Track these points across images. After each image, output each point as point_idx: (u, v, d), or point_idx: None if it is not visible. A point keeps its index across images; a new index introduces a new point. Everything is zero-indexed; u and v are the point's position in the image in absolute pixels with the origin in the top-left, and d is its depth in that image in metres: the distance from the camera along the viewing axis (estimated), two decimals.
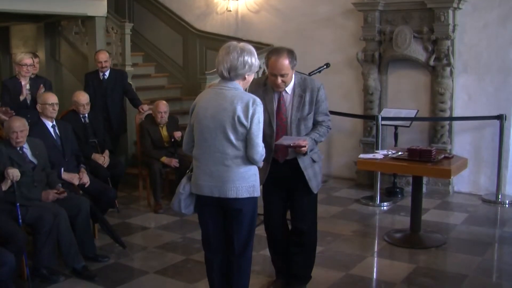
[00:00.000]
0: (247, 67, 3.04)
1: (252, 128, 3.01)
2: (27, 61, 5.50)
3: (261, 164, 3.17)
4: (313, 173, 3.66)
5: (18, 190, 3.99)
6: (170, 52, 8.86)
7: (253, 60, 3.07)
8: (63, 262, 4.21)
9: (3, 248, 3.65)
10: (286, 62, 3.43)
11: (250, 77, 3.15)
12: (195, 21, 8.67)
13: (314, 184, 3.67)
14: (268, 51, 3.57)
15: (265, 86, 3.61)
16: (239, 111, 2.99)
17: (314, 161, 3.66)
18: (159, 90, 8.36)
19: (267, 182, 3.71)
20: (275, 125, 3.56)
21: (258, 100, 3.05)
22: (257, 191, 3.18)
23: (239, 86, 3.10)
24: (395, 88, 6.92)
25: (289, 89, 3.57)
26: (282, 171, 3.63)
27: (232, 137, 3.03)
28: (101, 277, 4.17)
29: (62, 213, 4.14)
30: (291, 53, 3.48)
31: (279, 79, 3.45)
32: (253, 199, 3.19)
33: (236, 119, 2.99)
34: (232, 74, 3.04)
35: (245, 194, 3.11)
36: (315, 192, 3.70)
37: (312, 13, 7.46)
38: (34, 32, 8.80)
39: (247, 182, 3.11)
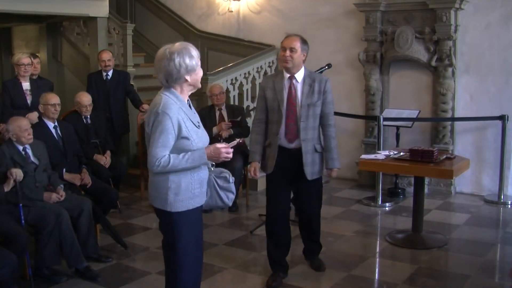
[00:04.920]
0: (182, 69, 2.82)
1: (151, 137, 2.82)
2: (24, 61, 5.51)
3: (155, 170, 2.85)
4: (311, 160, 3.93)
5: (20, 190, 4.00)
6: None
7: (186, 59, 2.82)
8: (66, 263, 4.20)
9: (6, 249, 3.65)
10: (297, 40, 3.85)
11: (196, 75, 2.89)
12: (196, 22, 8.68)
13: (309, 170, 3.93)
14: None
15: (277, 77, 3.97)
16: (147, 117, 2.89)
17: (316, 150, 3.95)
18: None
19: (273, 170, 3.96)
20: (286, 110, 3.89)
21: (167, 108, 2.79)
22: (171, 206, 2.87)
23: (171, 91, 2.87)
24: (397, 88, 6.92)
25: (300, 78, 3.93)
26: (288, 158, 3.91)
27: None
28: (103, 278, 4.17)
29: (64, 214, 4.14)
30: (304, 40, 3.89)
31: (287, 52, 3.81)
32: (167, 214, 2.91)
33: (145, 125, 2.90)
34: (170, 81, 2.85)
35: (157, 205, 2.93)
36: (309, 178, 3.93)
37: (313, 14, 7.46)
38: (36, 32, 8.82)
39: (159, 193, 2.90)
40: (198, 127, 2.95)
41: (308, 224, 4.21)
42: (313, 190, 4.10)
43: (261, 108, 4.02)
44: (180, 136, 2.83)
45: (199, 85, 2.99)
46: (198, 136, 2.91)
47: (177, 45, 2.87)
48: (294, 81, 3.91)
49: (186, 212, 2.91)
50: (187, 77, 2.86)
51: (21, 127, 4.16)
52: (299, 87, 3.92)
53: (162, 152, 2.79)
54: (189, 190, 2.90)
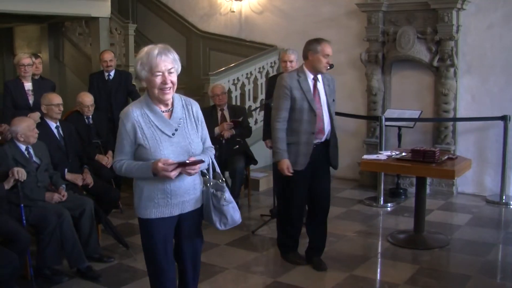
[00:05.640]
0: (137, 74, 2.78)
1: None
2: (25, 61, 5.51)
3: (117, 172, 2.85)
4: (336, 152, 4.27)
5: (22, 191, 4.00)
6: None
7: (136, 64, 2.76)
8: (67, 263, 4.21)
9: (7, 249, 3.65)
10: None
11: (149, 83, 2.73)
12: (198, 22, 8.69)
13: (337, 162, 4.29)
14: (313, 39, 4.09)
15: (300, 77, 4.08)
16: None
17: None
18: None
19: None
20: (316, 108, 4.04)
21: (123, 113, 2.79)
22: (136, 210, 2.85)
23: (146, 95, 2.83)
24: (399, 88, 6.91)
25: (320, 79, 4.13)
26: (315, 153, 4.08)
27: None
28: (105, 278, 4.17)
29: (65, 214, 4.14)
30: None
31: (329, 60, 4.03)
32: (140, 220, 2.87)
33: None
34: None
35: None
36: (336, 169, 4.32)
37: (315, 14, 7.46)
38: (37, 33, 8.84)
39: (135, 196, 2.86)
40: (171, 136, 2.75)
41: (324, 214, 4.33)
42: (329, 178, 4.36)
43: (286, 107, 4.08)
44: (136, 143, 2.75)
45: (158, 95, 2.73)
46: (162, 146, 2.71)
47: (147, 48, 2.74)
48: (317, 81, 4.11)
49: (150, 220, 2.81)
50: (143, 83, 2.82)
51: (30, 126, 4.20)
52: (321, 87, 4.13)
53: (118, 156, 2.82)
54: (152, 199, 2.78)
